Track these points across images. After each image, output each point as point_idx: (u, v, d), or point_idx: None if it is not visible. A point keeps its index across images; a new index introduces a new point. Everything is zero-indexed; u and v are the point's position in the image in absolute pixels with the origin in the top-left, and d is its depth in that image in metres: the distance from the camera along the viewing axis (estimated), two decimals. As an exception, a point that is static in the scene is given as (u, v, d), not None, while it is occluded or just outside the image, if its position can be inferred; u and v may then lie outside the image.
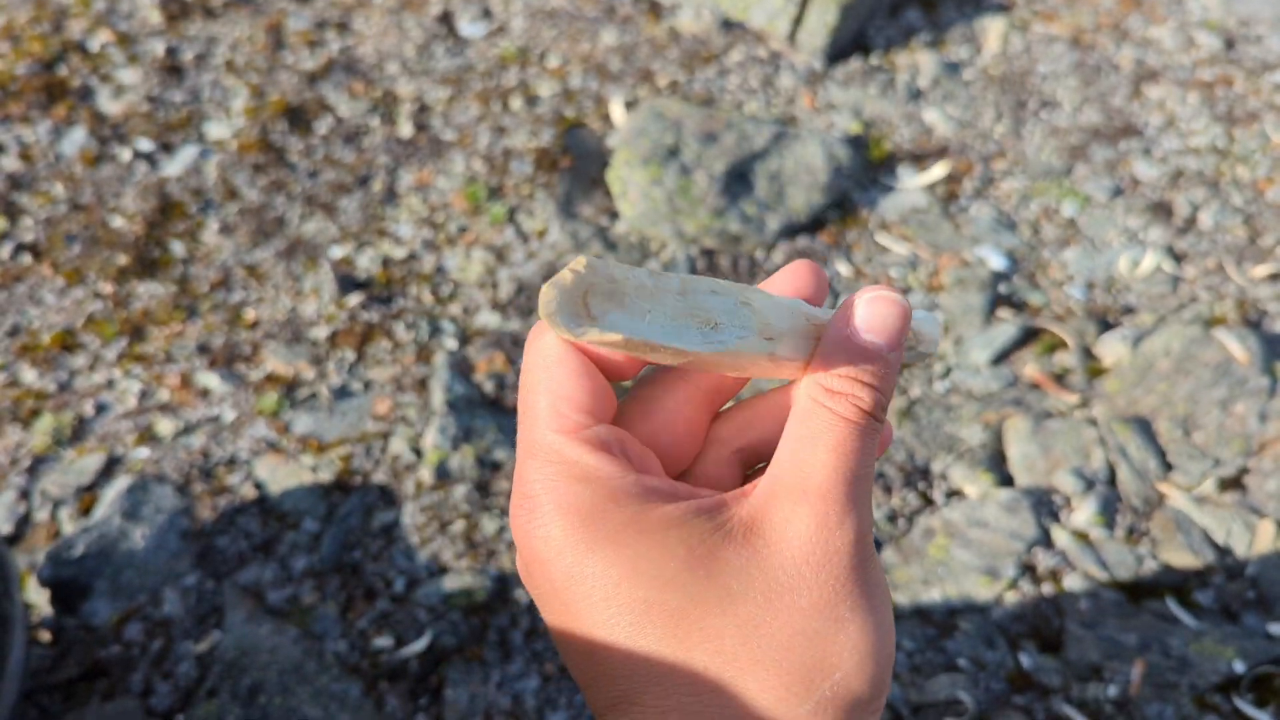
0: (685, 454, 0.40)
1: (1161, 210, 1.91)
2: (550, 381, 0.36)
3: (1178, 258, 1.82)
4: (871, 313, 0.36)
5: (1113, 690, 1.20)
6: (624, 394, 0.41)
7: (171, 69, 1.95)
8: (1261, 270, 1.79)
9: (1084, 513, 1.39)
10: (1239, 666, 1.23)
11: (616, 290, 0.35)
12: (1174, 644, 1.25)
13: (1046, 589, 1.32)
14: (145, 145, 1.80)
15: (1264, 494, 1.43)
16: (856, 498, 0.34)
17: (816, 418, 0.35)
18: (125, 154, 1.78)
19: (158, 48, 1.98)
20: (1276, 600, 1.31)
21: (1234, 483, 1.45)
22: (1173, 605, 1.31)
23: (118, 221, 1.68)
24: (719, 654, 0.32)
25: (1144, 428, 1.51)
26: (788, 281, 0.39)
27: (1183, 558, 1.35)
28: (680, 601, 0.32)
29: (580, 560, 0.33)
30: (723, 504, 0.35)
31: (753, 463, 0.41)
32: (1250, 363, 1.57)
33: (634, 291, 0.36)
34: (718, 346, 0.36)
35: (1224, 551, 1.37)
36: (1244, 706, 1.20)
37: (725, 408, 0.42)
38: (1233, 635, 1.27)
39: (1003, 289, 1.73)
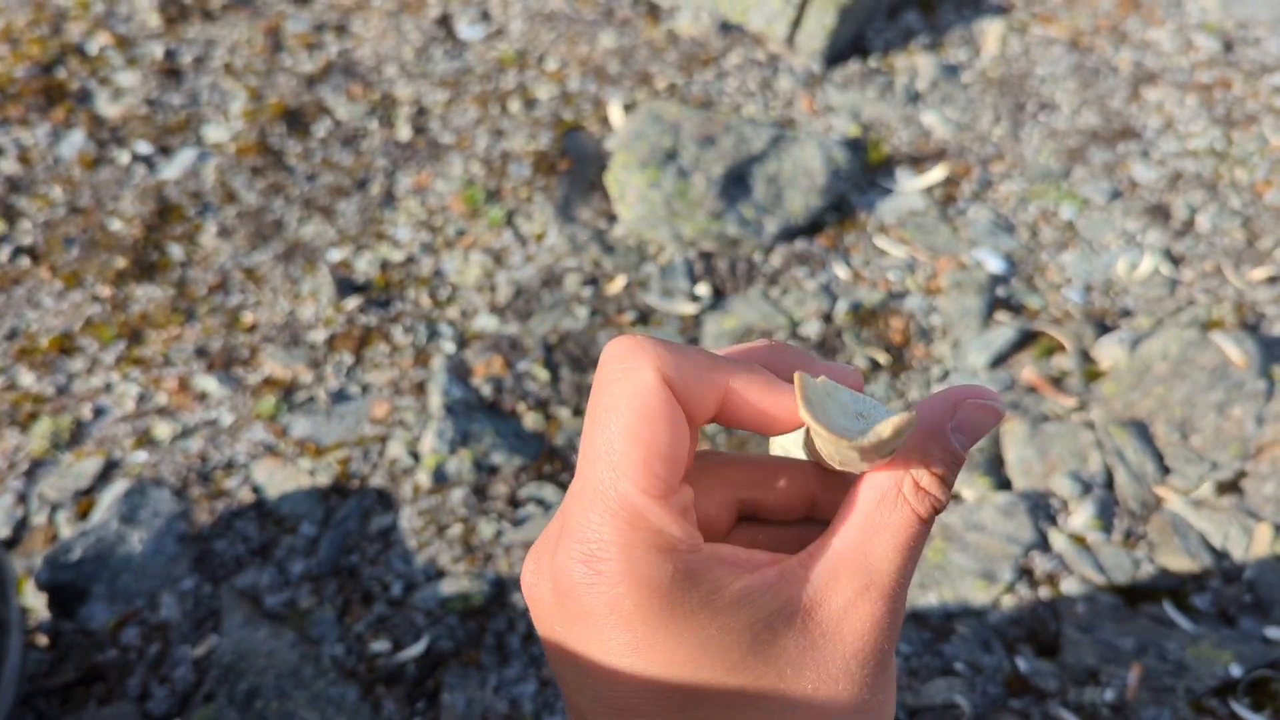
0: (709, 529, 0.39)
1: (1159, 213, 1.91)
2: (648, 432, 0.33)
3: (1175, 260, 1.82)
4: (975, 419, 0.35)
5: (1109, 694, 1.20)
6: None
7: (170, 72, 1.95)
8: (1259, 273, 1.79)
9: (1081, 516, 1.39)
10: (1236, 670, 1.23)
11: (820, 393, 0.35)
12: (1171, 648, 1.25)
13: (1043, 593, 1.32)
14: (144, 148, 1.80)
15: (1261, 497, 1.43)
16: (904, 597, 0.35)
17: (896, 510, 0.34)
18: (124, 157, 1.78)
19: (156, 50, 1.98)
20: (1273, 604, 1.32)
21: (1231, 486, 1.45)
22: (1169, 609, 1.31)
23: (116, 224, 1.68)
24: None
25: (1141, 431, 1.51)
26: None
27: (1180, 561, 1.35)
28: (742, 684, 0.33)
29: (650, 635, 0.32)
30: (783, 579, 0.34)
31: (749, 515, 0.40)
32: (1248, 366, 1.57)
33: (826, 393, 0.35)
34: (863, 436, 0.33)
35: (1221, 555, 1.37)
36: (1241, 711, 1.20)
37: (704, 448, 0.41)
38: (1230, 639, 1.27)
39: (1001, 292, 1.73)
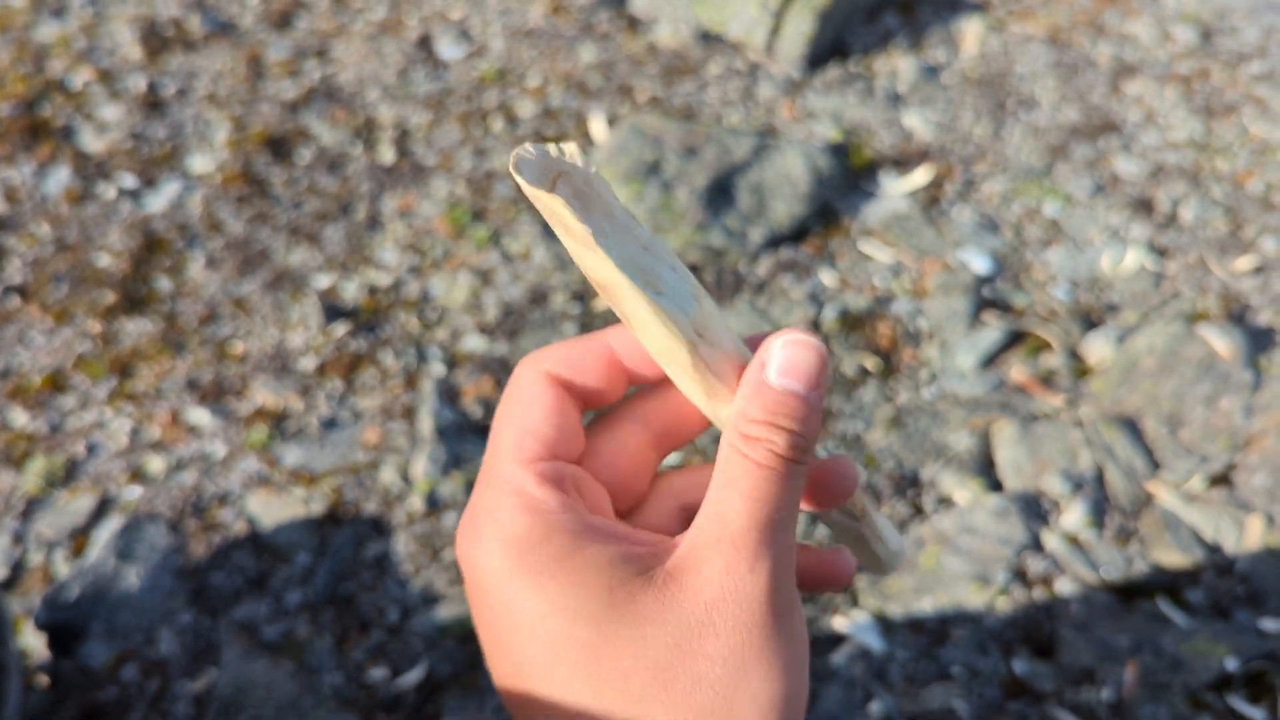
0: (631, 493, 0.41)
1: (1143, 206, 1.92)
2: (521, 415, 0.37)
3: (1160, 254, 1.83)
4: (787, 356, 0.36)
5: (1106, 693, 1.21)
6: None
7: (153, 104, 1.96)
8: (1244, 263, 1.80)
9: (1073, 515, 1.40)
10: (1231, 664, 1.23)
11: (588, 196, 0.35)
12: (1166, 644, 1.26)
13: (1038, 594, 1.33)
14: (129, 182, 1.81)
15: (1251, 489, 1.43)
16: (772, 543, 0.34)
17: (733, 465, 0.35)
18: (109, 191, 1.79)
19: (139, 83, 1.99)
20: (1267, 595, 1.32)
21: (1222, 479, 1.46)
22: (1164, 605, 1.32)
23: (104, 259, 1.69)
24: (627, 694, 0.33)
25: (1130, 427, 1.52)
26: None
27: (1173, 557, 1.36)
28: (595, 639, 0.33)
29: (512, 590, 0.34)
30: (654, 553, 0.35)
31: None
32: (1234, 357, 1.57)
33: (602, 209, 0.35)
34: (658, 301, 0.35)
35: (1213, 549, 1.38)
36: (1238, 704, 1.21)
37: (671, 464, 0.43)
38: (1224, 633, 1.27)
39: (987, 292, 1.74)
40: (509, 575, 0.34)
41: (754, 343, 0.39)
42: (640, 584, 0.34)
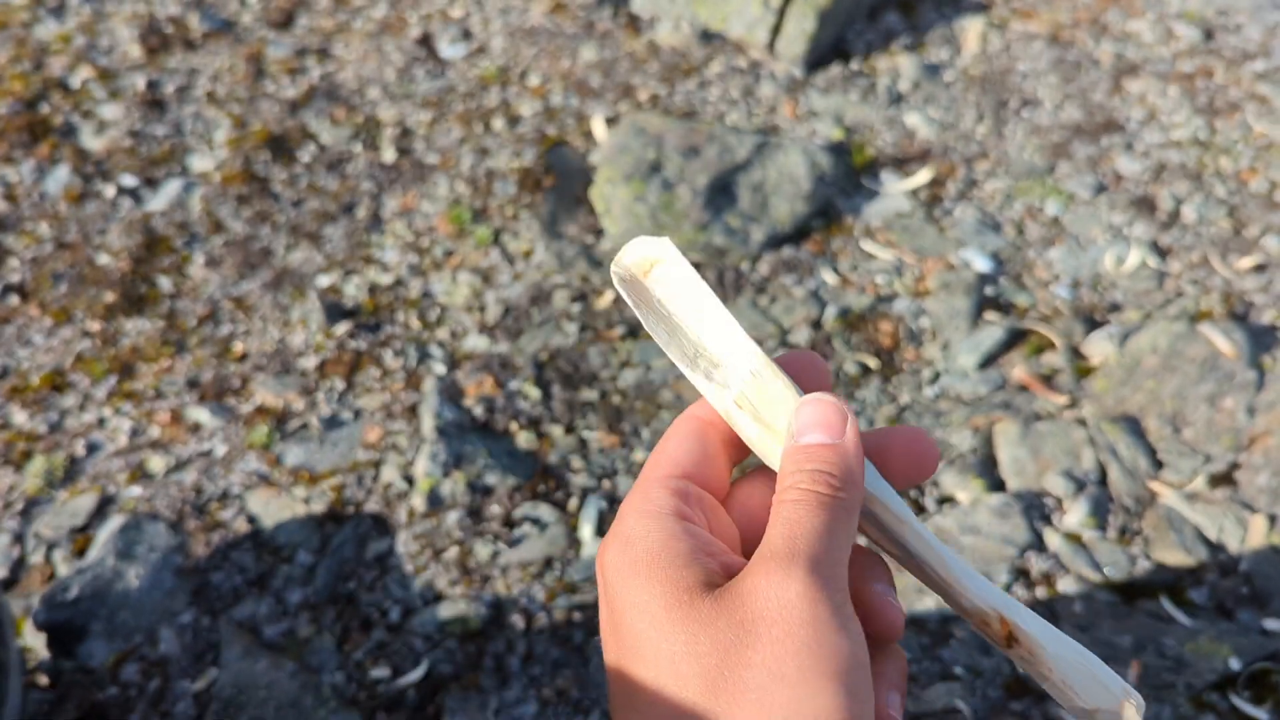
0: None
1: (1145, 205, 1.91)
2: (665, 444, 0.42)
3: (1162, 253, 1.83)
4: (806, 416, 0.40)
5: (1109, 693, 1.20)
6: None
7: (153, 103, 1.95)
8: (1247, 262, 1.79)
9: (1076, 514, 1.39)
10: (1235, 664, 1.23)
11: (669, 281, 0.44)
12: (1169, 644, 1.26)
13: (1040, 593, 1.32)
14: (129, 181, 1.81)
15: (1255, 489, 1.43)
16: (815, 565, 0.36)
17: (778, 509, 0.38)
18: (109, 190, 1.79)
19: (139, 82, 1.99)
20: (1271, 595, 1.32)
21: (1225, 478, 1.45)
22: (1167, 604, 1.31)
23: (104, 259, 1.68)
24: (682, 693, 0.35)
25: (1133, 426, 1.51)
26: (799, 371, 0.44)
27: (1176, 556, 1.35)
28: (655, 637, 0.36)
29: (617, 579, 0.38)
30: (729, 572, 0.38)
31: None
32: (1237, 356, 1.57)
33: (678, 291, 0.44)
34: (696, 381, 0.43)
35: (1217, 548, 1.37)
36: (1241, 704, 1.20)
37: None
38: (1228, 632, 1.27)
39: (989, 291, 1.73)
40: (616, 567, 0.38)
41: (792, 365, 0.44)
42: (702, 593, 0.36)
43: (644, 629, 0.36)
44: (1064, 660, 0.43)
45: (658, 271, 0.44)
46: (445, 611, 1.27)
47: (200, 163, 1.85)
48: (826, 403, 0.40)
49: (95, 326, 1.59)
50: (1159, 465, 1.47)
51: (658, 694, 0.35)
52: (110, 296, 1.63)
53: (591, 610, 1.29)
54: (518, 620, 1.28)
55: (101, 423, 1.48)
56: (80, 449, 1.45)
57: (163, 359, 1.56)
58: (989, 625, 0.42)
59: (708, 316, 0.43)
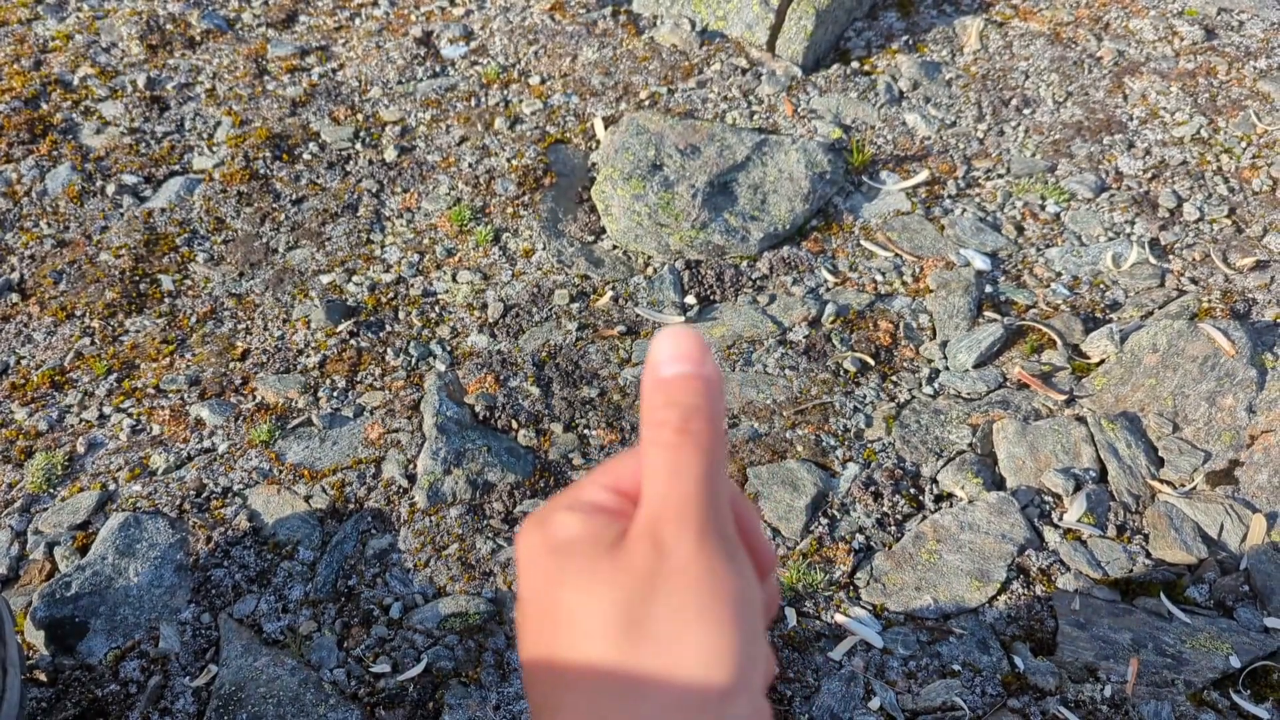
0: None
1: (1146, 203, 1.91)
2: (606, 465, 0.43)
3: (1163, 251, 1.83)
4: (662, 347, 0.39)
5: (1108, 690, 1.20)
6: None
7: (154, 100, 1.96)
8: (1247, 260, 1.79)
9: (1074, 512, 1.39)
10: (1235, 662, 1.23)
11: None
12: (1168, 641, 1.26)
13: (1039, 590, 1.33)
14: (130, 179, 1.81)
15: (1255, 486, 1.43)
16: (695, 514, 0.36)
17: (648, 455, 0.38)
18: (110, 188, 1.79)
19: (139, 80, 1.99)
20: (1271, 593, 1.32)
21: (1225, 476, 1.45)
22: (1166, 602, 1.31)
23: (105, 257, 1.69)
24: (588, 649, 0.36)
25: (1133, 423, 1.51)
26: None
27: (1175, 553, 1.35)
28: (548, 603, 0.37)
29: (528, 555, 0.39)
30: (624, 527, 0.39)
31: None
32: (1237, 354, 1.57)
33: None
34: None
35: (1217, 545, 1.37)
36: (1241, 702, 1.20)
37: None
38: (1228, 630, 1.27)
39: (988, 289, 1.73)
40: (529, 545, 0.39)
41: None
42: (599, 552, 0.37)
43: (560, 597, 0.36)
44: None
45: None
46: (446, 607, 1.28)
47: (201, 161, 1.85)
48: (684, 332, 0.39)
49: (96, 324, 1.60)
50: (1159, 463, 1.47)
51: (580, 660, 0.36)
52: (111, 294, 1.63)
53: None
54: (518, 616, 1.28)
55: (102, 420, 1.48)
56: (81, 446, 1.45)
57: (164, 356, 1.56)
58: None
59: None
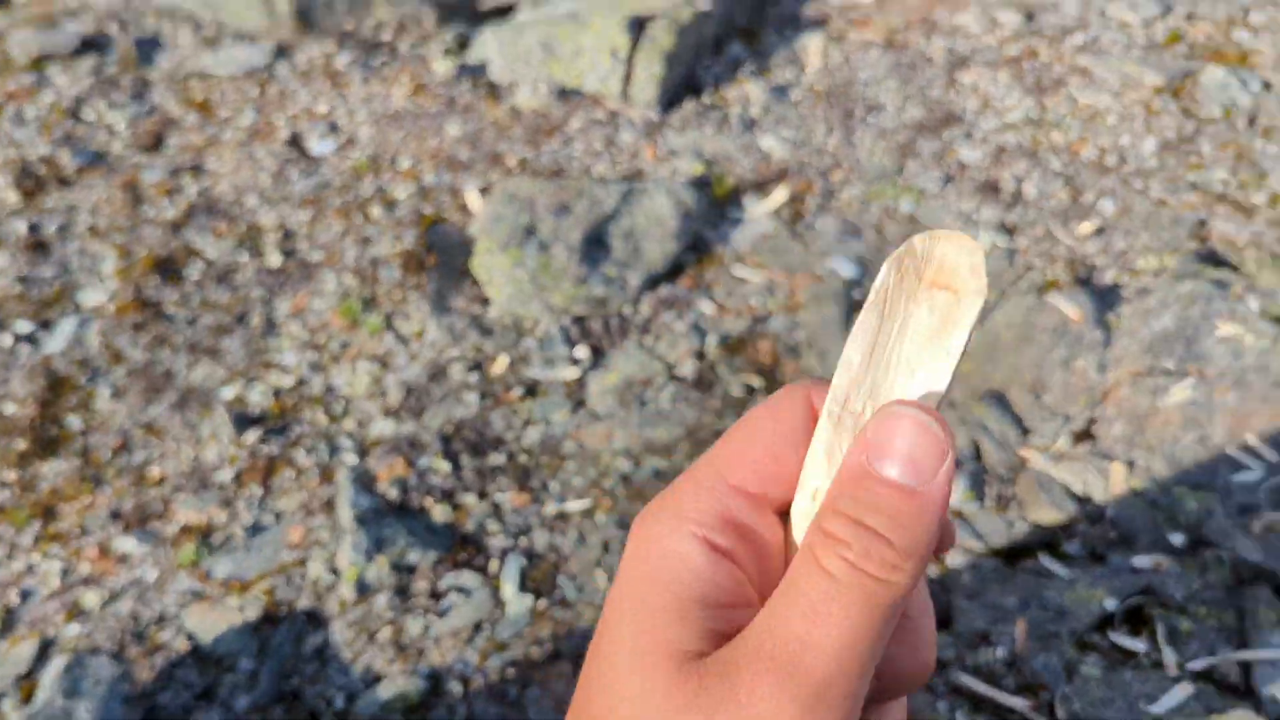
0: None
1: (989, 189, 2.06)
2: (745, 434, 0.33)
3: (1010, 231, 1.97)
4: (888, 430, 0.28)
5: (1001, 651, 1.31)
6: None
7: (37, 245, 2.00)
8: (1086, 228, 1.94)
9: (955, 492, 1.51)
10: (1111, 604, 1.35)
11: (943, 318, 0.38)
12: (1050, 596, 1.37)
13: (931, 570, 1.44)
14: (24, 326, 1.86)
15: (1111, 439, 1.56)
16: (825, 685, 0.27)
17: (802, 567, 0.28)
18: (6, 339, 1.83)
19: (19, 227, 2.03)
20: (1136, 535, 1.44)
21: (1084, 434, 1.58)
22: (1046, 561, 1.43)
23: (10, 408, 1.73)
24: None
25: (999, 400, 1.64)
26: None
27: (1048, 514, 1.47)
28: (632, 713, 0.30)
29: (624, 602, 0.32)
30: (727, 636, 0.30)
31: None
32: (1084, 319, 1.71)
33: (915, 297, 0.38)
34: (826, 422, 0.34)
35: (1083, 501, 1.50)
36: (1120, 640, 1.32)
37: None
38: (1101, 577, 1.39)
39: (856, 295, 1.85)
40: (626, 580, 0.31)
41: None
42: (683, 663, 0.29)
43: (611, 682, 0.29)
44: None
45: (941, 296, 0.35)
46: (385, 691, 1.35)
47: (92, 297, 1.91)
48: (924, 423, 0.29)
49: (11, 475, 1.64)
50: (1026, 432, 1.60)
51: None
52: (22, 444, 1.68)
53: (523, 665, 1.37)
54: (455, 687, 1.36)
55: (31, 569, 1.53)
56: (14, 598, 1.49)
57: (83, 496, 1.61)
58: None
59: (913, 379, 0.34)
